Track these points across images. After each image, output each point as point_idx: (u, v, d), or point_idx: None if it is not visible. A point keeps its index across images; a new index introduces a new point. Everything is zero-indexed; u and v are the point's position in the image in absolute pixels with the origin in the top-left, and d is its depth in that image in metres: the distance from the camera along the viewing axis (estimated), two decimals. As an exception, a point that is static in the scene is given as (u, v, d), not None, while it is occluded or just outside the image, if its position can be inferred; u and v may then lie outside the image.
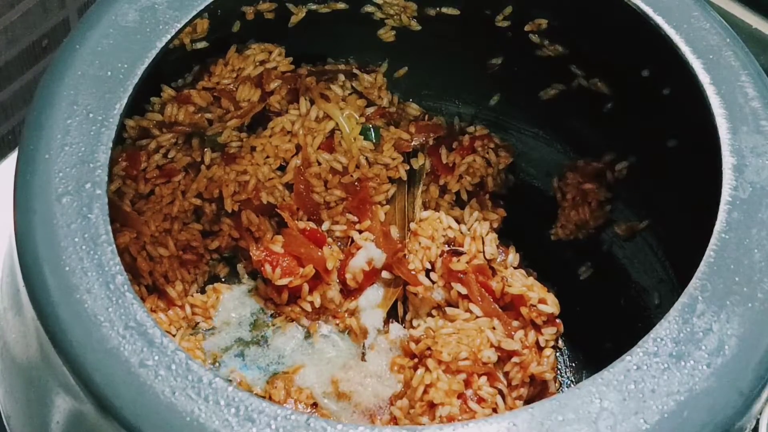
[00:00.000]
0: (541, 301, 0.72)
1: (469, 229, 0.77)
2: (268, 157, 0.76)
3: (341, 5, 0.74)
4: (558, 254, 0.78)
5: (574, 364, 0.77)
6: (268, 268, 0.74)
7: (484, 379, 0.70)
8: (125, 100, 0.58)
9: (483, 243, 0.76)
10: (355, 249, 0.76)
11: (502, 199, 0.80)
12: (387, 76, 0.79)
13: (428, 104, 0.81)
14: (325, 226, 0.77)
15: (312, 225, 0.77)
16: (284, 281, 0.74)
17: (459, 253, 0.75)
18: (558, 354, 0.75)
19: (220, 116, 0.74)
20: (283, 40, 0.75)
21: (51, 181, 0.54)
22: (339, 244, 0.77)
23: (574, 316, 0.73)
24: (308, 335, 0.75)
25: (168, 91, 0.72)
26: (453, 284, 0.74)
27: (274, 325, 0.76)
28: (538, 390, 0.72)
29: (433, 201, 0.79)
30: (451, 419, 0.68)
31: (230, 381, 0.71)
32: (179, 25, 0.61)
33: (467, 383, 0.70)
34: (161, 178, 0.73)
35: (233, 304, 0.76)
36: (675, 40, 0.63)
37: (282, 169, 0.77)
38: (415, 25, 0.76)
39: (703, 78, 0.61)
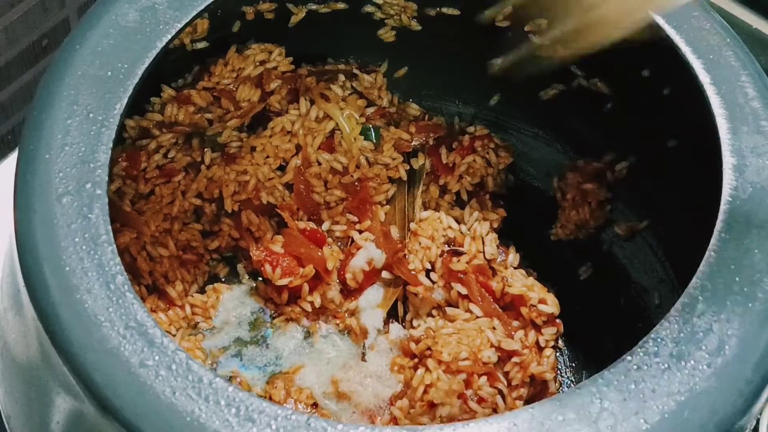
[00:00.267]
0: (541, 301, 0.72)
1: (469, 229, 0.77)
2: (268, 157, 0.76)
3: (341, 5, 0.74)
4: (558, 254, 0.78)
5: (574, 364, 0.77)
6: (268, 268, 0.74)
7: (484, 379, 0.70)
8: (125, 100, 0.58)
9: (483, 243, 0.76)
10: (355, 249, 0.76)
11: (502, 199, 0.80)
12: (387, 76, 0.79)
13: (428, 104, 0.81)
14: (325, 226, 0.77)
15: (312, 225, 0.77)
16: (284, 281, 0.74)
17: (459, 253, 0.75)
18: (558, 354, 0.75)
19: (220, 116, 0.74)
20: (283, 40, 0.75)
21: (51, 181, 0.54)
22: (339, 244, 0.77)
23: (574, 316, 0.73)
24: (308, 335, 0.75)
25: (168, 91, 0.72)
26: (453, 284, 0.74)
27: (273, 326, 0.76)
28: (538, 390, 0.72)
29: (433, 201, 0.79)
30: (451, 419, 0.68)
31: (230, 380, 0.72)
32: (179, 25, 0.61)
33: (467, 383, 0.70)
34: (161, 178, 0.73)
35: (233, 304, 0.76)
36: (675, 40, 0.63)
37: (282, 169, 0.77)
38: (415, 25, 0.76)
39: (704, 78, 0.61)
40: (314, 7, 0.73)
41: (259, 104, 0.76)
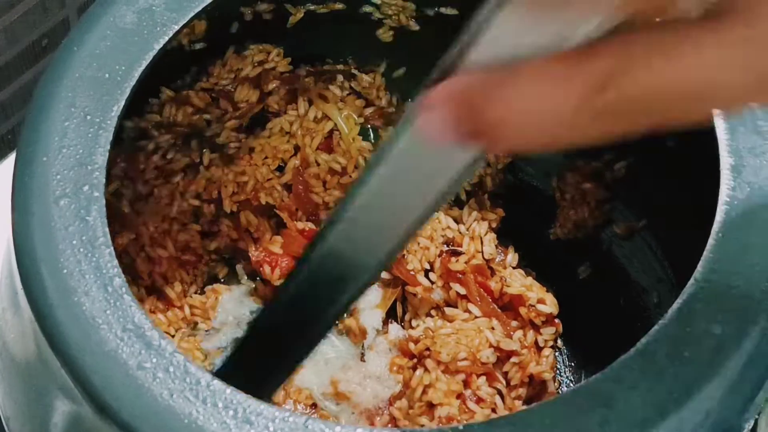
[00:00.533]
0: (540, 301, 0.72)
1: (467, 229, 0.77)
2: (266, 157, 0.76)
3: (339, 5, 0.74)
4: (557, 254, 0.78)
5: (573, 364, 0.77)
6: (267, 268, 0.74)
7: (483, 379, 0.70)
8: (123, 102, 0.58)
9: (482, 243, 0.76)
10: None
11: (500, 199, 0.80)
12: (386, 77, 0.79)
13: (427, 104, 0.81)
14: (325, 226, 0.77)
15: (311, 225, 0.77)
16: (283, 282, 0.74)
17: (458, 253, 0.75)
18: (557, 354, 0.75)
19: (218, 117, 0.74)
20: (281, 40, 0.75)
21: (49, 183, 0.54)
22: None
23: (573, 315, 0.73)
24: (307, 336, 0.75)
25: (167, 93, 0.72)
26: (452, 284, 0.74)
27: (273, 326, 0.76)
28: (537, 390, 0.72)
29: (432, 201, 0.79)
30: (450, 419, 0.68)
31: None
32: (177, 27, 0.61)
33: (466, 383, 0.70)
34: (160, 179, 0.73)
35: (232, 304, 0.76)
36: (673, 39, 0.62)
37: (281, 169, 0.77)
38: (414, 25, 0.76)
39: (701, 78, 0.61)
40: (312, 7, 0.73)
41: (257, 105, 0.76)
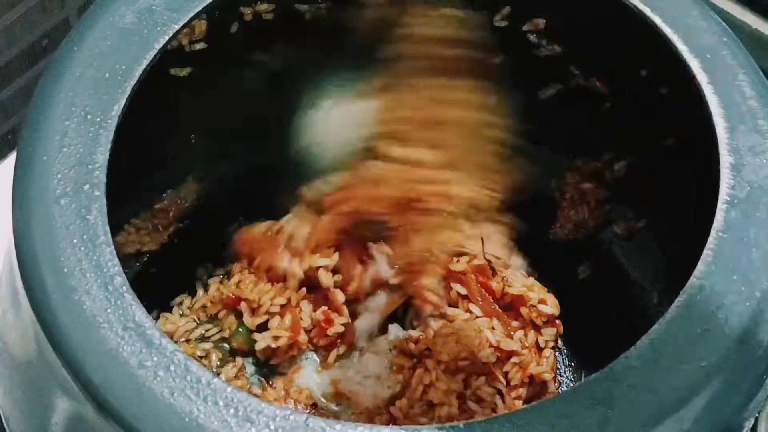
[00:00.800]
0: (541, 301, 0.72)
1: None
2: None
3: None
4: (557, 254, 0.78)
5: (573, 364, 0.77)
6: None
7: (483, 379, 0.70)
8: (123, 102, 0.57)
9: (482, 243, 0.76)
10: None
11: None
12: None
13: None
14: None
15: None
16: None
17: (459, 254, 0.75)
18: (557, 354, 0.75)
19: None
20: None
21: (49, 182, 0.54)
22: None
23: (573, 315, 0.73)
24: (308, 336, 0.75)
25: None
26: (453, 284, 0.74)
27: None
28: (537, 390, 0.72)
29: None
30: (450, 419, 0.68)
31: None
32: (177, 27, 0.61)
33: (466, 383, 0.70)
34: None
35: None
36: (673, 39, 0.63)
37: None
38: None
39: (701, 77, 0.61)
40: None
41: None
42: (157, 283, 0.73)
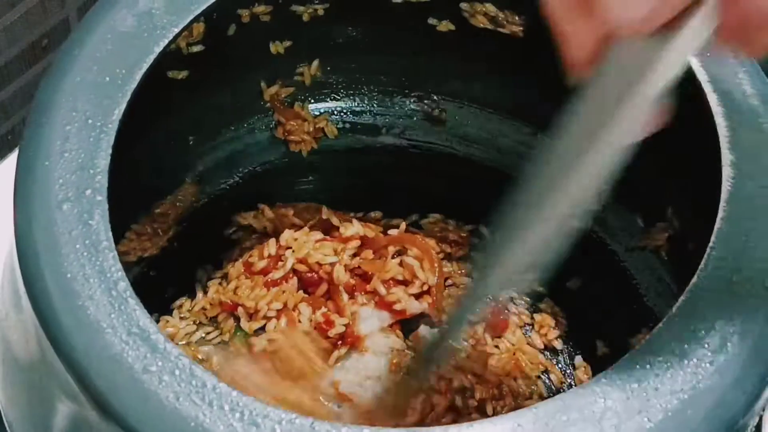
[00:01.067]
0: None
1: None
2: None
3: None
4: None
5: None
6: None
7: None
8: (124, 106, 0.57)
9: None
10: None
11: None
12: None
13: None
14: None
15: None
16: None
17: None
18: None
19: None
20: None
21: (51, 187, 0.54)
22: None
23: (573, 316, 0.73)
24: (308, 337, 0.75)
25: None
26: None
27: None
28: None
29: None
30: (450, 420, 0.68)
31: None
32: (176, 30, 0.61)
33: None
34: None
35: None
36: (672, 38, 0.62)
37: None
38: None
39: (701, 75, 0.61)
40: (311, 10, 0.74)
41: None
42: (157, 286, 0.73)
